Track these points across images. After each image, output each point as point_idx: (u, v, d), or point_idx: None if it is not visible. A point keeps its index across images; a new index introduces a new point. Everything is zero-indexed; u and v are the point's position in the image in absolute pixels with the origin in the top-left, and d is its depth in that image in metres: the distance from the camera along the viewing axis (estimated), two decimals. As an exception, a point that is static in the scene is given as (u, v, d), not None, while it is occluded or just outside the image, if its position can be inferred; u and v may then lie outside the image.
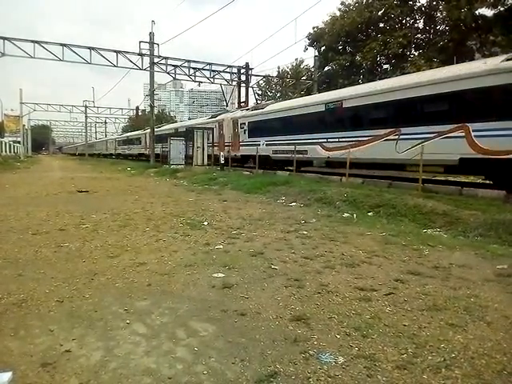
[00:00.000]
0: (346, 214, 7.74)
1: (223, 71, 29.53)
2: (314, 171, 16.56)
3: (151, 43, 26.07)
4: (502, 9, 22.65)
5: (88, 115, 57.01)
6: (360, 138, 12.93)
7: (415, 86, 11.16)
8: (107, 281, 3.86)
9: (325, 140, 14.57)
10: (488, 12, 23.68)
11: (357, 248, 5.19)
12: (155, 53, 26.24)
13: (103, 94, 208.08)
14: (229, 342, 2.65)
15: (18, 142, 50.92)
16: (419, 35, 30.31)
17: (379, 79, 19.72)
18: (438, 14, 28.78)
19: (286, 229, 6.44)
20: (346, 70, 32.43)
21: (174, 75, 28.18)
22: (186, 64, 27.80)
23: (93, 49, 24.45)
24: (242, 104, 29.66)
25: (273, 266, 4.35)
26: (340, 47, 33.74)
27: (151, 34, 26.18)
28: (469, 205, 7.55)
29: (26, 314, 3.08)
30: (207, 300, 3.40)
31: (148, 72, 26.98)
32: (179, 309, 3.21)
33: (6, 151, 46.24)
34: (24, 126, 53.65)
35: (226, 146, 22.35)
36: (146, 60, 26.12)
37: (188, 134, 22.87)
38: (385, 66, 31.76)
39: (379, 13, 29.88)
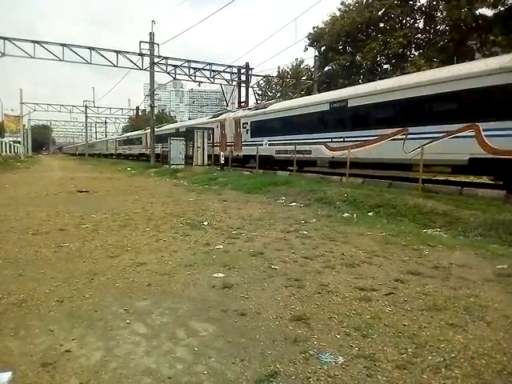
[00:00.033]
0: (346, 214, 7.74)
1: (223, 71, 29.53)
2: (314, 171, 16.55)
3: (151, 43, 26.07)
4: (502, 9, 22.66)
5: (88, 115, 57.01)
6: (366, 138, 12.76)
7: (425, 84, 10.90)
8: (107, 281, 3.86)
9: (329, 140, 14.42)
10: (488, 12, 23.74)
11: (357, 248, 5.19)
12: (155, 53, 26.24)
13: (103, 94, 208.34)
14: (229, 342, 2.65)
15: (18, 142, 50.95)
16: (419, 35, 30.30)
17: (379, 79, 19.67)
18: (439, 14, 28.78)
19: (286, 229, 6.44)
20: (346, 69, 32.42)
21: (174, 75, 28.19)
22: (186, 64, 27.81)
23: (93, 49, 24.45)
24: (242, 104, 29.66)
25: (273, 266, 4.35)
26: (340, 47, 33.73)
27: (151, 34, 26.18)
28: (469, 205, 7.55)
29: (26, 313, 3.08)
30: (207, 300, 3.40)
31: (148, 72, 26.98)
32: (179, 309, 3.21)
33: (6, 151, 46.28)
34: (24, 126, 53.69)
35: (229, 145, 22.25)
36: (146, 60, 26.14)
37: (188, 134, 22.86)
38: (385, 66, 31.79)
39: (379, 13, 29.87)
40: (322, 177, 14.04)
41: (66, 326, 2.88)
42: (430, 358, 2.42)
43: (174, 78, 29.58)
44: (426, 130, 10.72)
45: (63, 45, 23.77)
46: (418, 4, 29.25)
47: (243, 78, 30.09)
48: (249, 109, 22.96)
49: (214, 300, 3.40)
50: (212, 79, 29.28)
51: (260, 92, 44.60)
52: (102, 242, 5.40)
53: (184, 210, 8.27)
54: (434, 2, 28.46)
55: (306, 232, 6.17)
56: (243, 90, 30.21)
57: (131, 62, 25.61)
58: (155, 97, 32.89)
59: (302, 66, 42.92)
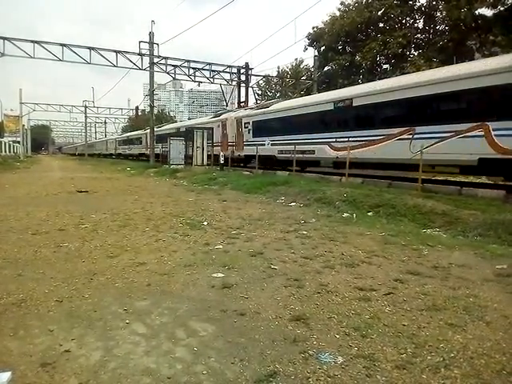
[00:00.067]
0: (345, 214, 7.74)
1: (223, 71, 29.55)
2: (314, 171, 16.54)
3: (151, 43, 26.07)
4: (501, 9, 22.67)
5: (88, 115, 57.04)
6: (371, 138, 12.56)
7: (432, 82, 10.69)
8: (107, 281, 3.86)
9: (333, 139, 14.25)
10: (488, 12, 23.73)
11: (356, 248, 5.19)
12: (155, 53, 26.25)
13: (103, 94, 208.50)
14: (228, 342, 2.65)
15: (18, 142, 50.90)
16: (419, 35, 30.30)
17: (379, 79, 19.65)
18: (438, 14, 28.79)
19: (286, 229, 6.44)
20: (345, 69, 32.43)
21: (173, 75, 28.21)
22: (185, 64, 27.82)
23: (92, 49, 24.46)
24: (241, 104, 29.67)
25: (272, 266, 4.35)
26: (340, 47, 33.73)
27: (151, 34, 26.18)
28: (468, 205, 7.55)
29: (25, 313, 3.08)
30: (207, 300, 3.40)
31: (148, 72, 26.97)
32: (179, 309, 3.21)
33: (5, 151, 46.23)
34: (24, 125, 53.65)
35: (230, 145, 22.13)
36: (146, 60, 26.15)
37: (188, 134, 22.85)
38: (384, 66, 31.76)
39: (379, 13, 29.87)
40: (321, 177, 14.02)
41: (65, 325, 2.88)
42: (429, 357, 2.42)
43: (174, 78, 29.60)
44: (434, 129, 10.50)
45: (63, 45, 23.78)
46: (418, 4, 29.29)
47: (243, 77, 30.11)
48: (251, 108, 22.81)
49: (214, 300, 3.40)
50: (212, 79, 29.31)
51: (260, 92, 44.63)
52: (102, 242, 5.39)
53: (183, 210, 8.27)
54: (434, 2, 28.48)
55: (305, 232, 6.17)
56: (243, 89, 30.24)
57: (131, 62, 25.64)
58: (155, 97, 32.87)
59: (301, 66, 42.94)
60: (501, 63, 9.40)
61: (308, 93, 29.96)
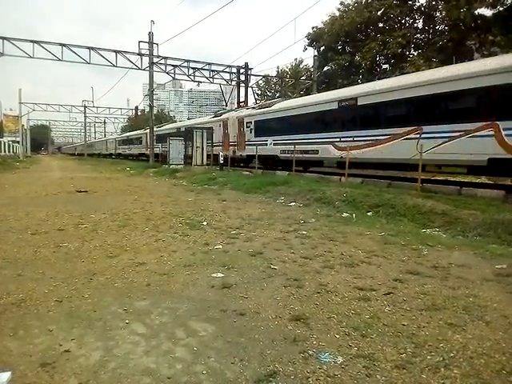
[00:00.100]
0: (345, 214, 7.74)
1: (223, 71, 29.56)
2: (314, 171, 16.52)
3: (150, 43, 26.06)
4: (501, 9, 22.69)
5: (87, 115, 57.07)
6: (377, 137, 12.33)
7: (442, 81, 10.44)
8: (106, 281, 3.86)
9: (338, 139, 14.04)
10: (487, 12, 23.76)
11: (356, 248, 5.19)
12: (154, 53, 26.25)
13: (102, 93, 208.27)
14: (228, 342, 2.65)
15: (17, 142, 50.86)
16: (418, 35, 30.30)
17: (378, 79, 19.62)
18: (438, 14, 28.79)
19: (286, 229, 6.44)
20: (345, 69, 32.42)
21: (173, 75, 28.20)
22: (185, 64, 27.81)
23: (92, 49, 24.45)
24: (241, 104, 29.67)
25: (272, 266, 4.35)
26: (339, 47, 33.72)
27: (150, 34, 26.16)
28: (468, 204, 7.55)
29: (25, 313, 3.08)
30: (206, 300, 3.40)
31: (147, 72, 26.96)
32: (178, 309, 3.21)
33: (5, 151, 46.15)
34: (23, 125, 53.66)
35: (231, 145, 22.01)
36: (146, 60, 26.15)
37: (187, 134, 22.84)
38: (384, 66, 31.77)
39: (378, 13, 29.88)
40: (321, 177, 14.02)
41: (65, 325, 2.88)
42: (429, 357, 2.43)
43: (174, 78, 29.60)
44: (442, 128, 10.29)
45: (62, 45, 23.77)
46: (417, 4, 29.30)
47: (242, 77, 30.11)
48: (252, 108, 22.62)
49: (213, 300, 3.40)
50: (211, 79, 29.31)
51: (259, 92, 44.62)
52: (101, 242, 5.39)
53: (183, 210, 8.27)
54: (433, 2, 28.49)
55: (305, 232, 6.17)
56: (242, 89, 30.24)
57: (130, 61, 25.64)
58: (154, 97, 32.91)
59: (301, 66, 42.95)
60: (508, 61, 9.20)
61: (308, 93, 29.96)
